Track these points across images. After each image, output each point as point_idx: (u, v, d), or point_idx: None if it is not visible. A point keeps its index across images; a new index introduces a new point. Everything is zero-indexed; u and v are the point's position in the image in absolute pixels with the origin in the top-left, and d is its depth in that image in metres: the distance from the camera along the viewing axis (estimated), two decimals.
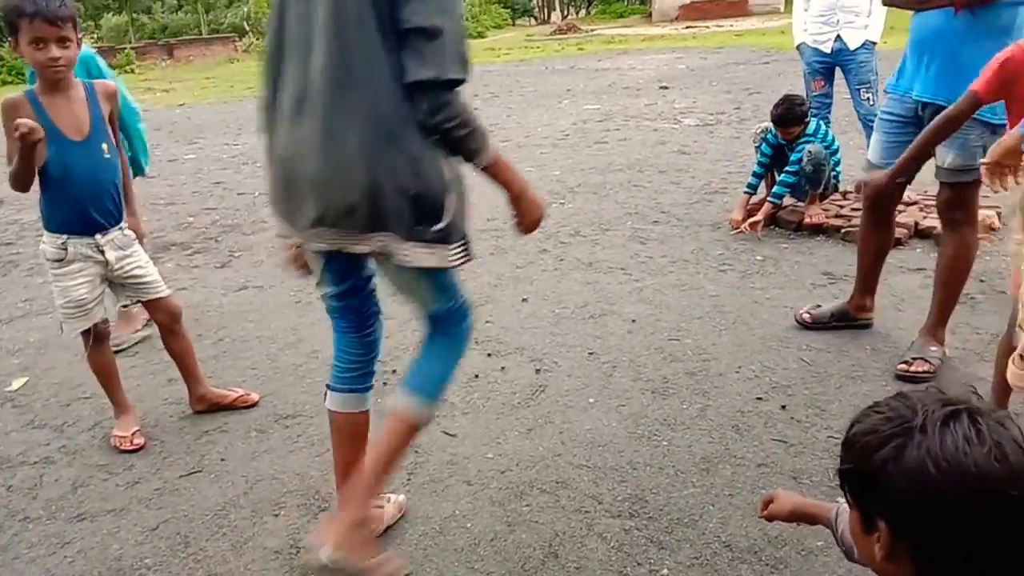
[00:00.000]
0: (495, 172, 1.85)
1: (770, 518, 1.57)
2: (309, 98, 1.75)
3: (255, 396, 3.11)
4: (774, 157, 4.91)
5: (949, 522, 0.90)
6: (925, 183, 5.09)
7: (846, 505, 1.41)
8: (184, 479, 2.64)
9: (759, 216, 4.73)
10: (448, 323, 2.08)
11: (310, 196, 1.79)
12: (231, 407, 3.05)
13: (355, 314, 2.18)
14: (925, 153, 2.74)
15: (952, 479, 0.89)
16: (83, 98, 2.64)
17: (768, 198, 4.80)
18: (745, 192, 4.97)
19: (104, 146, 2.68)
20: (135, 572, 2.20)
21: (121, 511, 2.49)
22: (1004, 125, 2.63)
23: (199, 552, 2.27)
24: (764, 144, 4.92)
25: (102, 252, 2.73)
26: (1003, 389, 2.40)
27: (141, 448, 2.84)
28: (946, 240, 3.09)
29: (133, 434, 2.86)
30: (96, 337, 2.83)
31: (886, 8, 3.69)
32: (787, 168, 4.71)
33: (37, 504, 2.55)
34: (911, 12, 2.97)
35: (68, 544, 2.34)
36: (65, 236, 2.67)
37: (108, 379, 2.93)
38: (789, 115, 4.63)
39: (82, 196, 2.65)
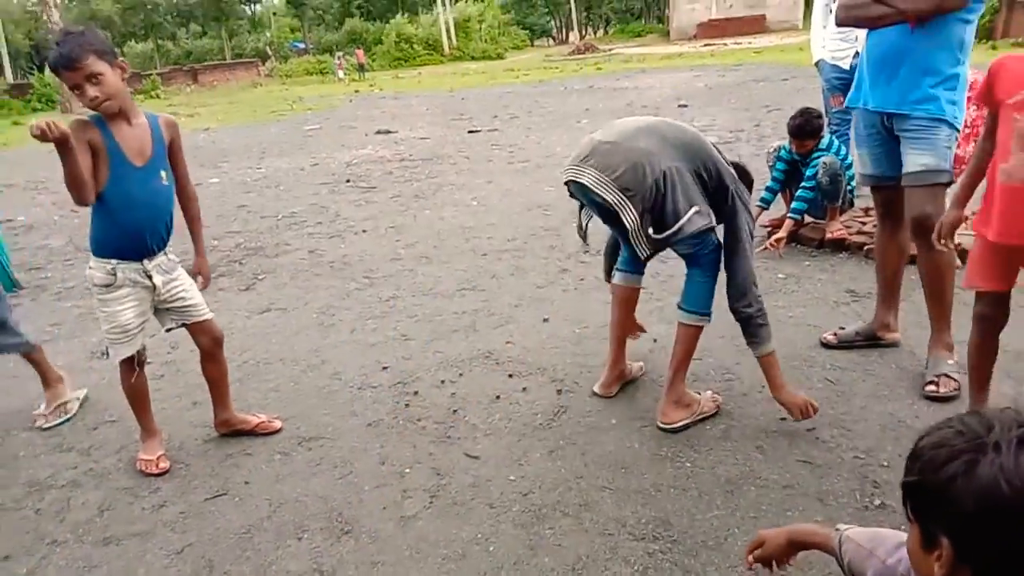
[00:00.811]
0: None
1: (762, 560, 1.50)
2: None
3: (277, 423, 3.12)
4: (788, 173, 4.90)
5: (1016, 543, 0.87)
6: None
7: (849, 532, 1.39)
8: (209, 502, 2.66)
9: (781, 233, 4.71)
10: (701, 257, 2.86)
11: None
12: (253, 432, 3.07)
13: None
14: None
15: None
16: (146, 125, 2.71)
17: (788, 215, 4.78)
18: (758, 206, 4.95)
19: (163, 173, 2.73)
20: None
21: (147, 534, 2.50)
22: (959, 131, 2.95)
23: None
24: (778, 161, 4.91)
25: (150, 277, 2.76)
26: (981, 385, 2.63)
27: (166, 472, 2.86)
28: (925, 246, 3.01)
29: (159, 458, 2.89)
30: (137, 363, 2.87)
31: None
32: (803, 184, 4.69)
33: (64, 527, 2.58)
34: (850, 28, 3.09)
35: (95, 568, 2.36)
36: (115, 261, 2.70)
37: (141, 404, 2.96)
38: (807, 127, 4.62)
39: (138, 220, 2.68)
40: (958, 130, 2.93)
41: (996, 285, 2.50)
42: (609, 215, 2.71)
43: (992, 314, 2.59)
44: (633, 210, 2.58)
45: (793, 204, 4.76)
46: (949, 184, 3.00)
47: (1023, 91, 2.29)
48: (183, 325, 2.92)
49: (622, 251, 3.13)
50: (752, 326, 2.80)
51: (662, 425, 2.86)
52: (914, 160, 2.92)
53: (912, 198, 2.99)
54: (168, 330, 2.94)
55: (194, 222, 3.00)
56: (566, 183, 2.78)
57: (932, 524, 0.95)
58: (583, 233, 3.05)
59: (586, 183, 2.64)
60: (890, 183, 3.07)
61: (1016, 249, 2.38)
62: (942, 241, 2.59)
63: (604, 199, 2.61)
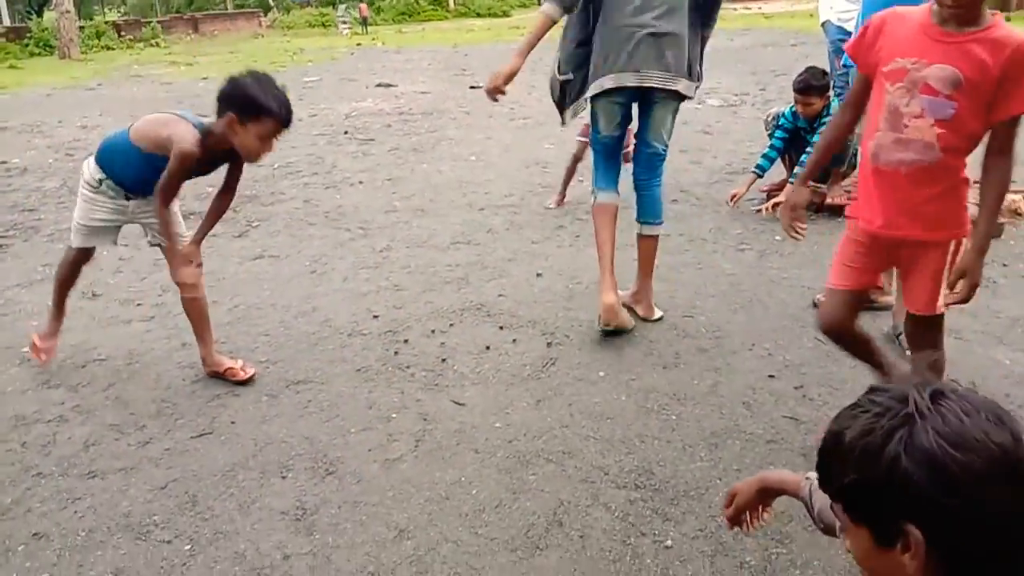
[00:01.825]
0: None
1: (738, 512, 1.47)
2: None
3: (246, 372, 3.03)
4: (788, 141, 4.84)
5: (975, 501, 0.83)
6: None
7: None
8: (194, 440, 2.66)
9: (782, 197, 4.66)
10: (658, 164, 3.30)
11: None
12: (222, 376, 3.05)
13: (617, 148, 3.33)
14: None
15: (968, 454, 0.84)
16: None
17: (789, 180, 4.73)
18: (753, 172, 4.90)
19: None
20: (143, 528, 2.22)
21: (131, 470, 2.51)
22: None
23: (206, 511, 2.29)
24: (777, 128, 4.85)
25: (128, 198, 2.96)
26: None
27: (45, 363, 3.12)
28: None
29: (48, 346, 3.19)
30: (83, 258, 3.16)
31: None
32: (809, 150, 4.63)
33: (50, 461, 2.59)
34: None
35: (79, 500, 2.37)
36: (105, 176, 2.90)
37: (64, 289, 3.23)
38: (812, 82, 4.54)
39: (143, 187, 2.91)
40: None
41: (857, 282, 2.25)
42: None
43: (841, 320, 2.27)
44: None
45: (797, 169, 4.70)
46: None
47: (900, 59, 1.97)
48: (161, 248, 3.02)
49: (603, 170, 3.33)
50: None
51: (654, 318, 3.39)
52: None
53: None
54: (151, 244, 3.12)
55: (217, 215, 3.05)
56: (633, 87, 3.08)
57: (887, 516, 0.90)
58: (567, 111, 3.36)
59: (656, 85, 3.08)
60: None
61: (896, 243, 2.12)
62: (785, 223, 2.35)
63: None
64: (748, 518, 1.49)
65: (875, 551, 0.93)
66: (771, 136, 4.96)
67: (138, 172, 2.87)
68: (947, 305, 2.17)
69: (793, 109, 4.77)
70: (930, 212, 2.06)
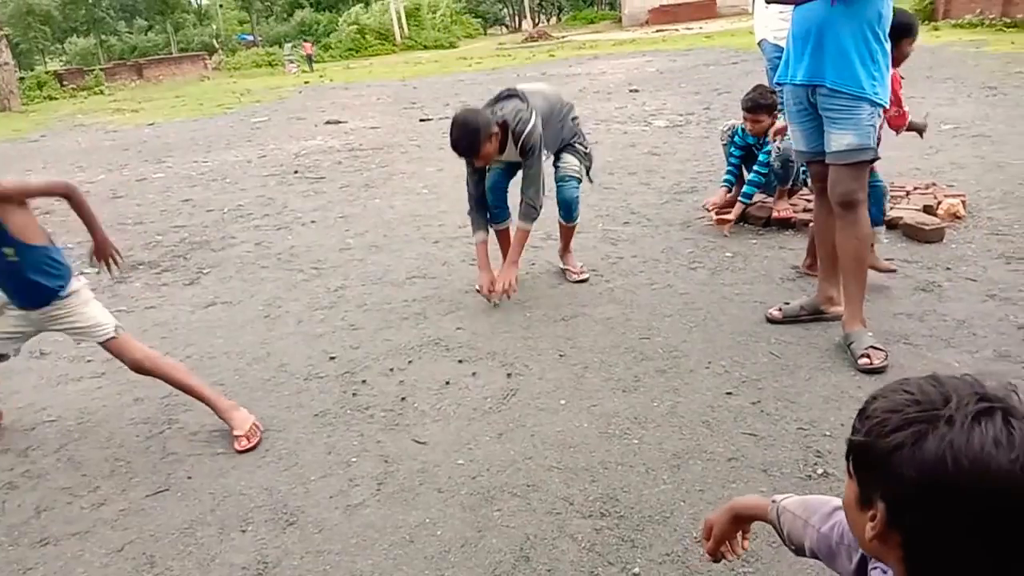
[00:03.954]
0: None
1: (717, 544, 1.46)
2: None
3: (247, 442, 2.85)
4: (743, 158, 4.94)
5: (953, 521, 0.84)
6: (923, 174, 5.15)
7: (785, 503, 1.38)
8: (150, 499, 2.59)
9: (731, 216, 4.75)
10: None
11: None
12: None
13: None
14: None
15: (969, 480, 0.83)
16: None
17: (739, 198, 4.81)
18: (723, 186, 4.98)
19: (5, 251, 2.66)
20: None
21: (85, 534, 2.44)
22: (885, 107, 2.97)
23: (165, 571, 2.22)
24: (732, 146, 4.94)
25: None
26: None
27: None
28: (848, 223, 3.07)
29: None
30: None
31: None
32: (755, 168, 4.72)
33: None
34: (791, 8, 3.08)
35: (30, 570, 2.29)
36: None
37: None
38: (761, 100, 4.63)
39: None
40: (881, 106, 2.95)
41: None
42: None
43: None
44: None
45: (744, 188, 4.79)
46: (873, 161, 3.05)
47: None
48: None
49: (490, 205, 4.20)
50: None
51: (585, 277, 4.25)
52: (837, 139, 2.96)
53: (835, 176, 3.03)
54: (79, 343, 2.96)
55: (79, 209, 2.86)
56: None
57: (871, 485, 0.94)
58: None
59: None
60: (823, 158, 3.10)
61: None
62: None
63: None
64: (729, 547, 1.48)
65: (854, 506, 0.97)
66: (727, 152, 5.05)
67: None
68: None
69: (743, 128, 4.86)
70: None
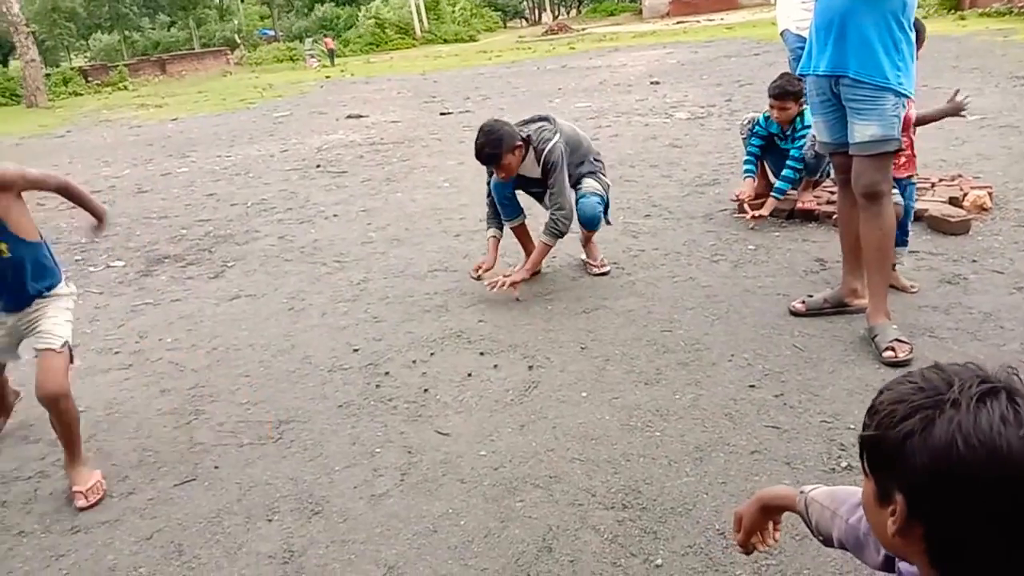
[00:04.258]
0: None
1: (748, 535, 1.47)
2: None
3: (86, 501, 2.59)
4: (763, 148, 4.90)
5: (970, 504, 0.85)
6: (949, 165, 5.09)
7: (813, 493, 1.38)
8: (178, 488, 2.63)
9: (764, 212, 4.69)
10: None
11: None
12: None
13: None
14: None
15: (981, 460, 0.84)
16: None
17: (772, 193, 4.73)
18: (747, 177, 4.93)
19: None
20: None
21: (115, 522, 2.48)
22: (911, 97, 2.96)
23: (193, 560, 2.26)
24: (753, 136, 4.90)
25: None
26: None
27: None
28: (871, 214, 3.04)
29: None
30: None
31: None
32: (790, 163, 4.64)
33: (31, 518, 2.55)
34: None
35: (63, 556, 2.34)
36: None
37: None
38: (788, 87, 4.57)
39: None
40: (906, 96, 2.91)
41: None
42: None
43: None
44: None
45: (778, 184, 4.70)
46: (898, 152, 3.02)
47: None
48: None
49: (506, 206, 4.26)
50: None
51: (606, 270, 4.25)
52: (861, 130, 2.94)
53: (859, 167, 3.01)
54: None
55: (67, 191, 2.84)
56: None
57: (887, 479, 0.94)
58: None
59: None
60: (847, 149, 3.07)
61: None
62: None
63: None
64: (760, 538, 1.49)
65: (874, 504, 0.98)
66: (746, 143, 5.01)
67: None
68: None
69: (767, 116, 4.81)
70: None
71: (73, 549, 2.37)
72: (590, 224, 4.18)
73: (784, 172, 4.70)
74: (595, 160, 4.25)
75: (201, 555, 2.28)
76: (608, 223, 4.37)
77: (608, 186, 4.27)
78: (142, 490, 2.65)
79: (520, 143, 3.92)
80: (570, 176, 4.09)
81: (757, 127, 4.88)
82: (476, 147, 3.92)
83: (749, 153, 4.95)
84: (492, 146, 3.86)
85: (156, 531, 2.41)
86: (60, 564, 2.30)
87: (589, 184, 4.16)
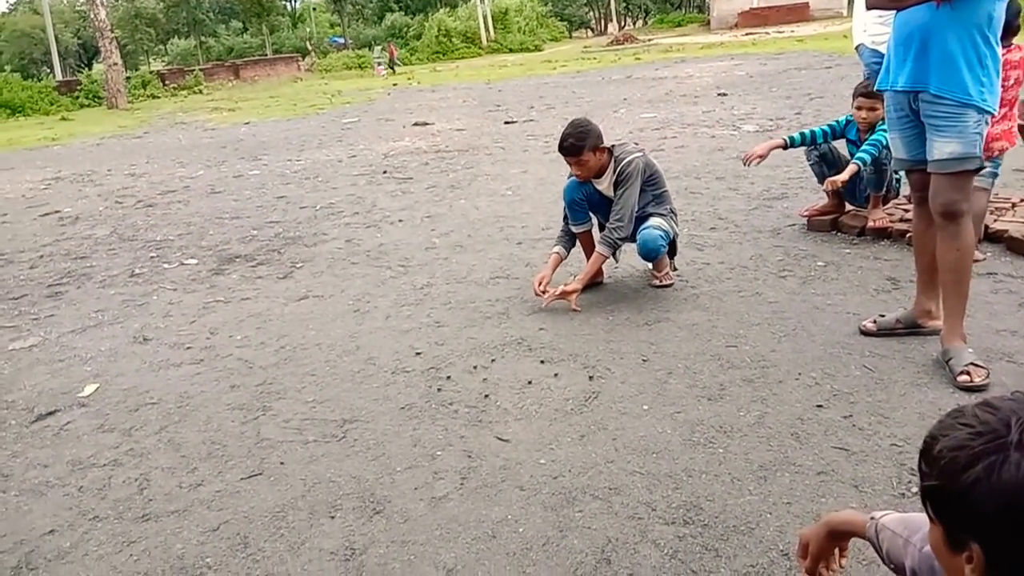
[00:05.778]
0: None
1: (815, 562, 1.43)
2: None
3: None
4: (826, 146, 4.81)
5: None
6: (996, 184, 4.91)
7: (884, 520, 1.34)
8: (244, 481, 2.70)
9: (844, 176, 4.53)
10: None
11: None
12: None
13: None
14: None
15: None
16: None
17: (853, 160, 4.56)
18: (784, 140, 4.78)
19: None
20: (196, 571, 2.26)
21: (184, 512, 2.56)
22: (994, 114, 2.85)
23: (257, 552, 2.32)
24: (828, 127, 4.80)
25: None
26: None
27: None
28: (949, 234, 2.94)
29: None
30: None
31: None
32: (873, 137, 4.52)
33: (105, 504, 2.65)
34: (891, 12, 3.01)
35: (134, 543, 2.42)
36: None
37: None
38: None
39: None
40: (989, 113, 2.83)
41: None
42: None
43: None
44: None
45: (859, 153, 4.55)
46: (979, 170, 2.93)
47: None
48: None
49: (575, 210, 4.26)
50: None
51: (670, 282, 4.22)
52: (940, 147, 2.85)
53: (937, 185, 2.92)
54: None
55: None
56: None
57: (958, 527, 0.92)
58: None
59: None
60: (924, 167, 2.99)
61: None
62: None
63: None
64: (826, 564, 1.45)
65: (945, 550, 0.95)
66: (810, 161, 4.92)
67: None
68: None
69: (849, 118, 4.72)
70: None
71: (144, 536, 2.45)
72: (647, 255, 4.12)
73: (868, 142, 4.55)
74: (672, 210, 4.25)
75: (265, 548, 2.33)
76: (674, 269, 4.30)
77: (676, 234, 4.22)
78: (210, 482, 2.73)
79: (604, 145, 4.03)
80: (642, 208, 4.10)
81: (835, 123, 4.78)
82: (561, 137, 4.00)
83: (812, 132, 4.80)
84: (577, 138, 3.94)
85: (223, 523, 2.48)
86: (131, 550, 2.39)
87: (657, 220, 4.12)
